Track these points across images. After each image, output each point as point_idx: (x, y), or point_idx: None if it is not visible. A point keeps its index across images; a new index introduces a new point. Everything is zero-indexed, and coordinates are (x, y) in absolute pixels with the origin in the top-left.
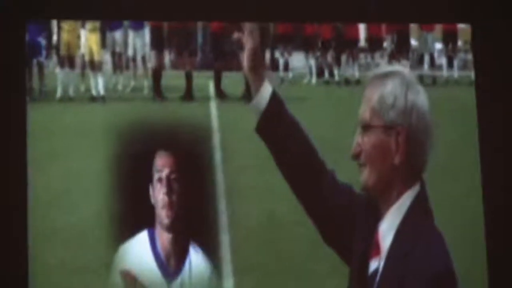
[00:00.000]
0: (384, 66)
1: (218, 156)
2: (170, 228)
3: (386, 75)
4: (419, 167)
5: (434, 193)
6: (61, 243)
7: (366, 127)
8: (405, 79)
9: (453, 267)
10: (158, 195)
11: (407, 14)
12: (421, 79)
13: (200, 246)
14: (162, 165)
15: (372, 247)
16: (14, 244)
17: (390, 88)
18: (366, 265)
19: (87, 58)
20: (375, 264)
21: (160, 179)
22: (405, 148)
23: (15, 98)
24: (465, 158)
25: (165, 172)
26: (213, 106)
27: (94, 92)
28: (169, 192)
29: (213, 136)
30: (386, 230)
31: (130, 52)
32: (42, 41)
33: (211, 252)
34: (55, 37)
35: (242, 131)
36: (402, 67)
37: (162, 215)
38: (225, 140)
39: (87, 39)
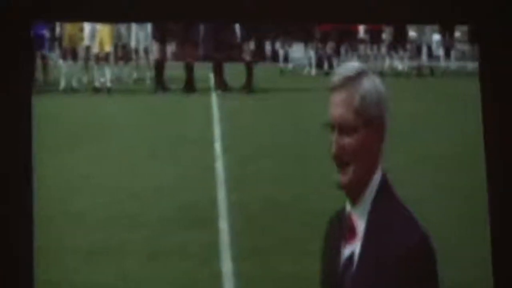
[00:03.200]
0: (344, 67)
1: (218, 145)
2: None
3: (359, 75)
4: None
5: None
6: (63, 229)
7: (348, 128)
8: (371, 74)
9: (426, 238)
10: None
11: (408, 14)
12: (419, 70)
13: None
14: None
15: (347, 233)
16: (19, 232)
17: (368, 86)
18: (339, 250)
19: (96, 49)
20: (351, 248)
21: None
22: (384, 139)
23: (22, 94)
24: (467, 147)
25: None
26: (214, 97)
27: (97, 84)
28: None
29: (214, 126)
30: (360, 214)
31: (133, 44)
32: (46, 34)
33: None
34: (58, 30)
35: (242, 121)
36: (354, 63)
37: None
38: (225, 129)
39: (99, 31)
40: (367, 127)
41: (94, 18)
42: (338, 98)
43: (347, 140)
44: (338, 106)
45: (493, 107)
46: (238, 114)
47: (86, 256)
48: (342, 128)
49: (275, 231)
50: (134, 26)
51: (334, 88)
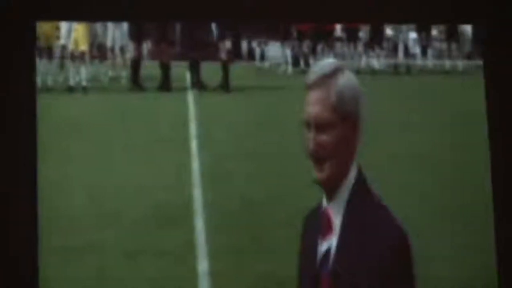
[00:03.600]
0: (319, 65)
1: (194, 144)
2: None
3: (334, 72)
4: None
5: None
6: (64, 226)
7: (325, 125)
8: (346, 70)
9: (404, 234)
10: None
11: (411, 14)
12: (395, 68)
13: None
14: None
15: (323, 228)
16: (23, 230)
17: (344, 83)
18: (316, 246)
19: (71, 48)
20: (328, 243)
21: None
22: (360, 134)
23: (26, 93)
24: (444, 146)
25: None
26: (190, 95)
27: (72, 83)
28: None
29: (189, 125)
30: (336, 210)
31: (109, 43)
32: None
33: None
34: None
35: (218, 119)
36: (329, 60)
37: None
38: (201, 128)
39: (74, 30)
40: (343, 123)
41: (95, 17)
42: (314, 96)
43: (324, 137)
44: (315, 104)
45: (497, 106)
46: (215, 112)
47: (63, 254)
48: (319, 126)
49: (251, 230)
50: (110, 25)
51: (310, 87)
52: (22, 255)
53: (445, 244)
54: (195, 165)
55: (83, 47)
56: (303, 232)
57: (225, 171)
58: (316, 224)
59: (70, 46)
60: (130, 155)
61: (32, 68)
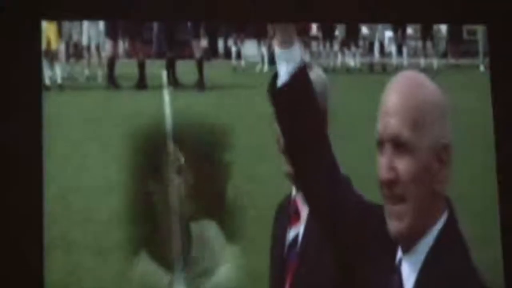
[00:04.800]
0: None
1: (170, 142)
2: None
3: None
4: None
5: None
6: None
7: None
8: (315, 67)
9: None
10: None
11: (417, 15)
12: (371, 66)
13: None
14: None
15: (292, 216)
16: (29, 229)
17: (313, 79)
18: (285, 234)
19: (44, 47)
20: (296, 230)
21: None
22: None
23: (32, 94)
24: None
25: None
26: (166, 94)
27: (47, 81)
28: None
29: (165, 123)
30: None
31: (85, 41)
32: None
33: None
34: None
35: (194, 118)
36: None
37: None
38: (177, 126)
39: (46, 29)
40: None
41: (103, 16)
42: None
43: None
44: None
45: (502, 104)
46: (190, 111)
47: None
48: None
49: (224, 225)
50: (86, 23)
51: None
52: (26, 250)
53: None
54: (171, 162)
55: (55, 46)
56: (274, 221)
57: (200, 169)
58: (286, 213)
59: (43, 45)
60: (105, 152)
61: (38, 66)
